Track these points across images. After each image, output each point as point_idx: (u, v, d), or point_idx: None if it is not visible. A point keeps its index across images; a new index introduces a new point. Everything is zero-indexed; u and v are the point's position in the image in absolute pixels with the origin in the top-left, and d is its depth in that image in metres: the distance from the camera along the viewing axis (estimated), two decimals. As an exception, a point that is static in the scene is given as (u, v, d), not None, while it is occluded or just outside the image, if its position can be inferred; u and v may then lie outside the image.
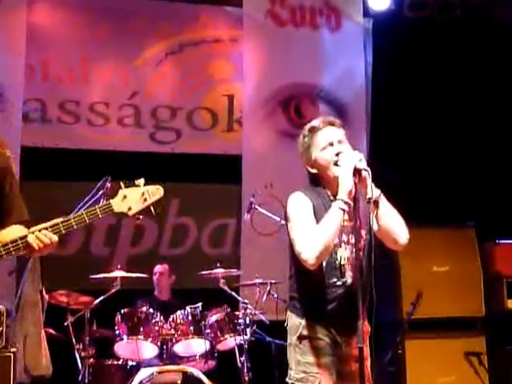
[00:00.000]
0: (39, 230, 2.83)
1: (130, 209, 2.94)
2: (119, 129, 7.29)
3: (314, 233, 3.06)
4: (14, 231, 2.94)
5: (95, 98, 7.23)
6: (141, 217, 2.98)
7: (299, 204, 3.19)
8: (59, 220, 2.86)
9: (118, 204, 2.93)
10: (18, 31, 6.82)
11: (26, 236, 2.84)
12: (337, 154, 3.14)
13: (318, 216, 3.13)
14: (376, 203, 3.05)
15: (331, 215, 3.04)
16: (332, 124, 3.27)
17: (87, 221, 2.87)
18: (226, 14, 7.60)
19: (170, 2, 7.36)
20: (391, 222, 3.15)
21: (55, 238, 2.84)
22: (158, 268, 6.52)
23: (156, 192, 2.99)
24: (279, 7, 7.59)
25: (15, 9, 6.82)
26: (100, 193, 5.07)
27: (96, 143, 7.03)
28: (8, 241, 2.84)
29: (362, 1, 7.63)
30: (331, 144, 3.20)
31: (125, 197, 2.94)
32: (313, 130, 3.26)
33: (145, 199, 2.96)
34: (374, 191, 3.01)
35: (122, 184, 2.97)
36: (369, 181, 3.01)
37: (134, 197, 2.95)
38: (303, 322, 3.18)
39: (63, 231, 2.86)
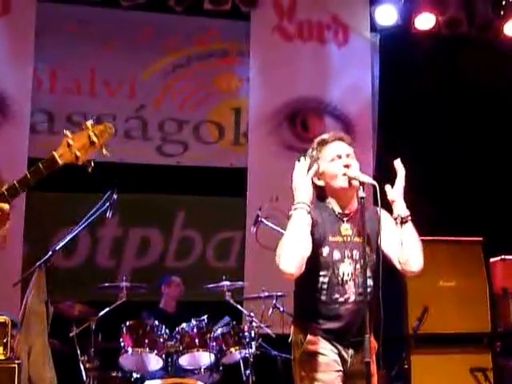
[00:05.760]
0: None
1: (77, 158, 2.59)
2: (126, 141, 7.30)
3: (283, 243, 3.00)
4: None
5: (102, 110, 7.25)
6: (92, 163, 2.61)
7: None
8: (3, 189, 2.52)
9: (62, 154, 2.59)
10: (27, 43, 6.87)
11: None
12: (345, 166, 3.17)
13: (318, 232, 3.13)
14: (403, 222, 3.15)
15: (292, 219, 3.04)
16: (341, 139, 3.30)
17: (31, 182, 2.56)
18: (233, 28, 7.64)
19: (178, 16, 7.40)
20: (410, 249, 3.15)
21: (6, 206, 2.50)
22: (175, 279, 6.51)
23: (104, 131, 2.62)
24: (287, 22, 7.62)
25: (24, 20, 6.88)
26: (107, 204, 5.09)
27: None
28: None
29: (369, 16, 7.66)
30: (339, 156, 3.22)
31: (69, 145, 2.57)
32: (322, 143, 3.29)
33: (92, 142, 2.58)
34: (403, 210, 3.20)
35: (66, 132, 2.60)
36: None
37: (80, 142, 2.57)
38: (307, 337, 3.15)
39: (9, 198, 2.51)
